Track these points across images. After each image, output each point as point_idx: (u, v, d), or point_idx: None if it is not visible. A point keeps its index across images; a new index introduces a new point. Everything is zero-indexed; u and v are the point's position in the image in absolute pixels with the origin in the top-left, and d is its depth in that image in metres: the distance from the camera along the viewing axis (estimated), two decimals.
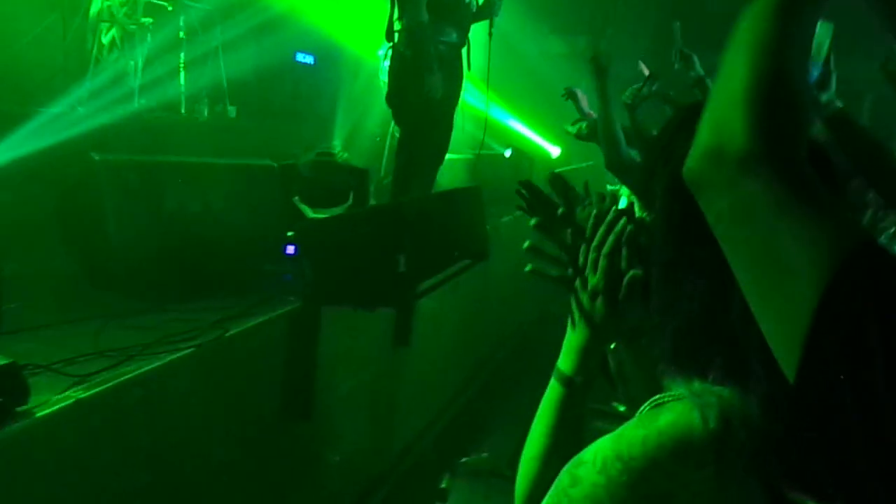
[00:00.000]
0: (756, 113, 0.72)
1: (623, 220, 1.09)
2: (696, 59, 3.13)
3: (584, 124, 3.63)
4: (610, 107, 3.12)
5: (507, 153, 6.88)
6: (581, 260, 1.12)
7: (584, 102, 3.67)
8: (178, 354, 2.64)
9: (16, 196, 3.62)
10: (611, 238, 1.09)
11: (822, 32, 1.99)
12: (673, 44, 3.35)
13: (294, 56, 7.44)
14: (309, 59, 7.64)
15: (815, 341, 0.63)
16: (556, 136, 7.79)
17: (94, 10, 5.57)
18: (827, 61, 2.02)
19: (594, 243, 1.10)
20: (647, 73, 3.49)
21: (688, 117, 1.00)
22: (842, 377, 0.61)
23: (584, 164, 6.83)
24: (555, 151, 7.84)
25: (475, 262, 4.09)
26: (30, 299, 3.13)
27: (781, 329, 0.67)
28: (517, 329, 6.97)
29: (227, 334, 2.94)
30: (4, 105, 4.24)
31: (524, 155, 7.03)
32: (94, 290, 3.63)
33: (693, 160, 0.76)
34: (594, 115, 3.42)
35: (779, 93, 0.73)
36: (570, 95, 3.77)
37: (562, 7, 8.40)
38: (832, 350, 0.62)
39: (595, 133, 3.42)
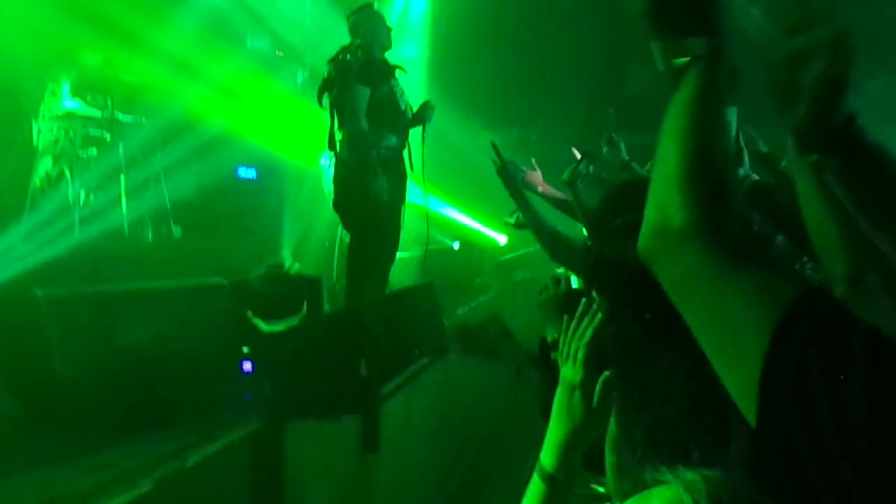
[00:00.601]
0: (690, 191, 0.81)
1: (600, 314, 1.11)
2: (622, 144, 3.30)
3: (519, 213, 3.70)
4: (530, 207, 3.20)
5: (456, 245, 6.99)
6: (563, 349, 1.13)
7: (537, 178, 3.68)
8: (137, 492, 2.51)
9: None
10: (589, 330, 1.10)
11: (730, 115, 2.17)
12: (602, 130, 3.53)
13: (236, 171, 7.52)
14: (251, 174, 7.73)
15: (767, 385, 0.68)
16: (500, 224, 7.99)
17: (35, 142, 5.60)
18: (737, 139, 2.20)
19: (577, 332, 1.12)
20: (579, 157, 3.64)
21: (619, 195, 1.06)
22: (796, 416, 0.65)
23: (532, 249, 6.99)
24: (502, 239, 8.02)
25: (436, 358, 4.07)
26: None
27: (738, 380, 0.72)
28: (485, 423, 6.86)
29: (188, 464, 2.82)
30: None
31: (473, 246, 7.16)
32: (41, 433, 3.46)
33: (643, 238, 0.84)
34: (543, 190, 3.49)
35: (707, 171, 0.82)
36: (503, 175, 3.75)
37: (492, 102, 8.82)
38: (782, 391, 0.67)
39: (517, 195, 3.48)
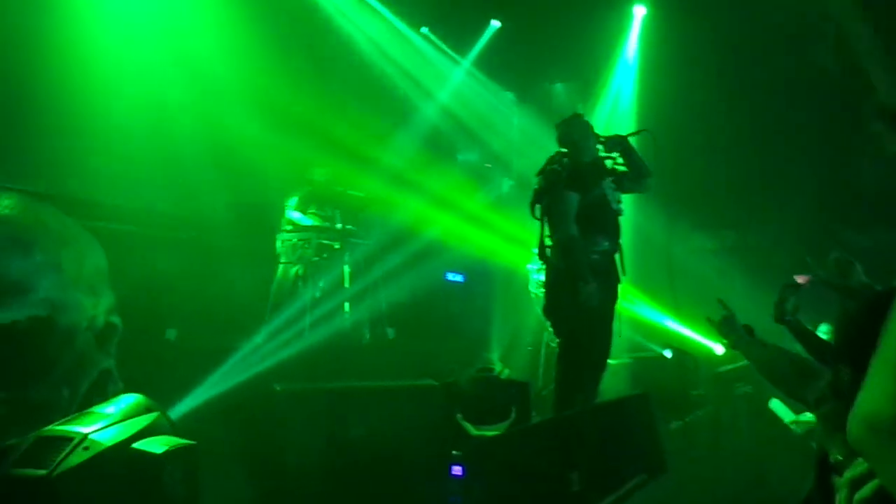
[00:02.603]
0: None
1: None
2: (858, 266, 2.95)
3: (732, 338, 3.41)
4: (765, 351, 2.96)
5: (668, 354, 6.63)
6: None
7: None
8: None
9: (212, 428, 3.90)
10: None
11: None
12: (825, 232, 3.21)
13: (445, 276, 7.90)
14: (459, 278, 8.07)
15: None
16: (714, 332, 7.42)
17: (278, 247, 6.36)
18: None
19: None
20: (801, 279, 3.31)
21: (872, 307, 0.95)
22: None
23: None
24: (718, 349, 7.46)
25: (653, 476, 3.79)
26: None
27: None
28: None
29: None
30: (203, 345, 4.75)
31: (686, 355, 6.75)
32: None
33: (852, 425, 0.80)
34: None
35: None
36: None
37: (702, 204, 8.47)
38: None
39: (742, 342, 3.25)
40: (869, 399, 0.77)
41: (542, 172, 4.29)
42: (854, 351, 1.12)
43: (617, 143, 4.31)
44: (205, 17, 6.19)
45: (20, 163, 5.07)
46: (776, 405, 5.57)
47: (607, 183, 4.27)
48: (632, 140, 4.41)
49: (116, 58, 5.62)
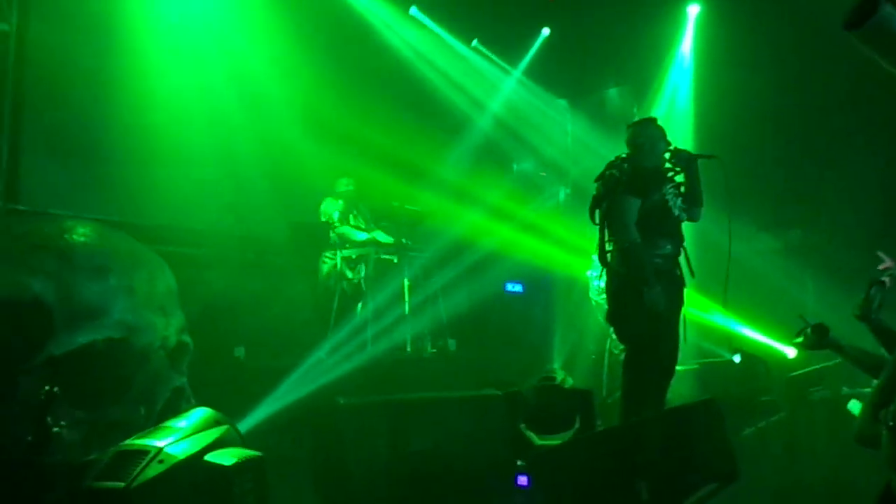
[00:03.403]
0: None
1: None
2: None
3: (809, 329, 3.31)
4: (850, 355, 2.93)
5: (737, 359, 6.42)
6: None
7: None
8: None
9: (279, 440, 4.00)
10: None
11: None
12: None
13: (504, 286, 7.88)
14: (518, 288, 8.04)
15: None
16: (784, 334, 7.18)
17: (325, 269, 6.45)
18: None
19: None
20: (886, 262, 3.19)
21: None
22: None
23: (829, 363, 6.14)
24: (790, 352, 7.18)
25: (724, 484, 3.67)
26: None
27: None
28: None
29: None
30: (269, 362, 4.88)
31: (756, 359, 6.52)
32: None
33: (887, 448, 0.76)
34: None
35: None
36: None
37: (768, 203, 8.21)
38: None
39: (825, 337, 3.16)
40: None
41: (601, 178, 4.24)
42: None
43: (684, 159, 4.21)
44: (259, 38, 6.40)
45: (95, 193, 5.36)
46: (854, 406, 5.31)
47: (668, 189, 4.19)
48: (700, 163, 4.30)
49: (178, 84, 5.87)
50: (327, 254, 6.50)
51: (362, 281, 6.42)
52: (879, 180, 7.93)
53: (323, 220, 6.60)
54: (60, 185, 5.23)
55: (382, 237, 6.63)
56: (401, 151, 6.98)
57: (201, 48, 6.14)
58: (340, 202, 6.67)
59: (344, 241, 6.50)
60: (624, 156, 4.26)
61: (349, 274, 6.45)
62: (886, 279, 3.08)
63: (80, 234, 3.96)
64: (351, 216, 6.68)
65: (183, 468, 2.58)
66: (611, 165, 4.22)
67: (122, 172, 5.57)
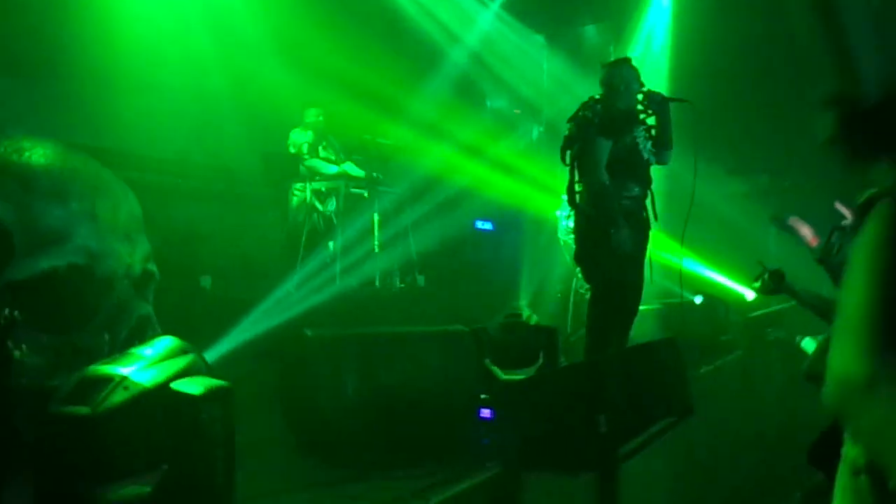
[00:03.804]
0: (870, 339, 0.79)
1: None
2: None
3: (766, 275, 3.39)
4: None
5: (698, 300, 6.59)
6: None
7: (807, 232, 3.38)
8: None
9: (246, 371, 4.02)
10: None
11: None
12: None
13: (474, 224, 7.89)
14: (488, 226, 8.05)
15: None
16: (746, 276, 7.35)
17: (294, 202, 6.37)
18: None
19: None
20: (845, 212, 3.26)
21: None
22: None
23: (785, 305, 6.34)
24: (749, 294, 7.38)
25: (680, 419, 3.81)
26: (246, 468, 3.35)
27: None
28: (731, 495, 6.26)
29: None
30: (236, 292, 4.85)
31: (717, 300, 6.70)
32: (307, 458, 3.85)
33: (828, 391, 0.83)
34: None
35: (887, 318, 0.80)
36: (780, 225, 3.52)
37: (738, 147, 8.27)
38: None
39: (781, 282, 3.25)
40: (840, 364, 0.81)
41: (573, 119, 4.21)
42: None
43: (657, 102, 4.19)
44: None
45: (56, 115, 5.15)
46: (808, 344, 5.50)
47: (639, 131, 4.18)
48: (672, 106, 4.28)
49: (149, 12, 5.62)
50: (297, 186, 6.40)
51: (333, 215, 6.36)
52: None
53: (292, 151, 6.48)
54: (19, 103, 5.02)
55: (353, 170, 6.54)
56: (374, 83, 6.82)
57: None
58: (310, 133, 6.54)
59: (314, 174, 6.40)
60: (597, 97, 4.23)
61: (319, 207, 6.39)
62: (846, 224, 3.16)
63: (41, 155, 3.83)
64: (321, 148, 6.55)
65: (149, 395, 2.59)
66: (584, 106, 4.19)
67: (86, 94, 5.36)
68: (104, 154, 4.78)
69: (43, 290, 3.53)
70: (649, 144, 4.19)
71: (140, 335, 4.01)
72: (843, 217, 3.22)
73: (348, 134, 6.97)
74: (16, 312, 2.73)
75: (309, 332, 3.96)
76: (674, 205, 4.97)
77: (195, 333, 3.98)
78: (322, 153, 6.54)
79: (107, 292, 3.96)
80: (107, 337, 3.83)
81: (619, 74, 4.22)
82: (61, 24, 5.17)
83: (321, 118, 6.61)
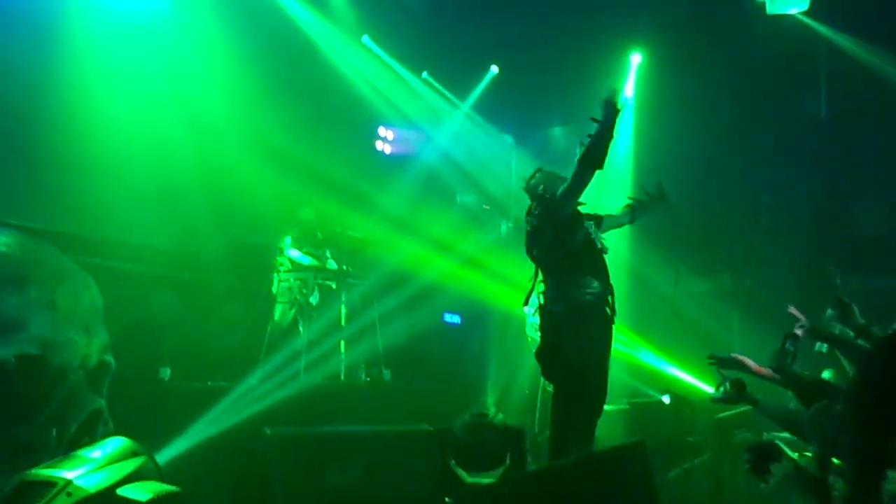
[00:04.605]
0: None
1: None
2: (855, 308, 3.03)
3: (727, 384, 3.41)
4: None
5: (666, 399, 6.55)
6: None
7: (751, 365, 3.43)
8: None
9: (203, 470, 3.84)
10: None
11: None
12: (825, 274, 3.31)
13: (442, 317, 7.86)
14: (456, 319, 8.03)
15: None
16: (710, 375, 7.33)
17: (274, 288, 6.33)
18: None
19: None
20: (799, 317, 3.33)
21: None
22: None
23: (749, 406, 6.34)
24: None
25: None
26: None
27: None
28: None
29: None
30: (196, 384, 4.70)
31: (684, 400, 6.67)
32: None
33: None
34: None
35: None
36: (720, 363, 3.55)
37: (700, 248, 8.48)
38: None
39: (742, 392, 3.26)
40: None
41: (529, 215, 4.25)
42: (879, 389, 1.15)
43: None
44: (204, 58, 6.28)
45: (18, 198, 5.10)
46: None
47: (588, 224, 4.23)
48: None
49: (116, 96, 5.69)
50: (283, 275, 6.38)
51: (301, 307, 6.30)
52: (810, 228, 8.35)
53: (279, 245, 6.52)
54: None
55: (328, 263, 6.56)
56: (346, 178, 6.95)
57: (145, 62, 5.99)
58: (296, 229, 6.61)
59: (287, 265, 6.40)
60: (534, 204, 4.25)
61: (300, 298, 6.32)
62: (799, 331, 3.22)
63: (1, 242, 3.76)
64: (307, 245, 6.59)
65: (93, 502, 2.44)
66: (530, 212, 4.25)
67: (50, 178, 5.32)
68: (68, 239, 4.72)
69: None
70: (601, 236, 4.25)
71: (90, 431, 3.84)
72: (797, 322, 3.28)
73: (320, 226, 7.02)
74: None
75: (268, 431, 3.83)
76: (636, 301, 5.03)
77: (151, 428, 3.83)
78: (306, 248, 6.57)
79: (59, 384, 3.81)
80: (54, 433, 3.65)
81: (542, 180, 4.25)
82: (27, 109, 5.21)
83: (311, 216, 6.70)
